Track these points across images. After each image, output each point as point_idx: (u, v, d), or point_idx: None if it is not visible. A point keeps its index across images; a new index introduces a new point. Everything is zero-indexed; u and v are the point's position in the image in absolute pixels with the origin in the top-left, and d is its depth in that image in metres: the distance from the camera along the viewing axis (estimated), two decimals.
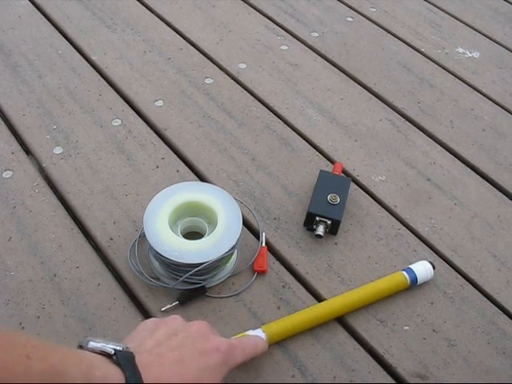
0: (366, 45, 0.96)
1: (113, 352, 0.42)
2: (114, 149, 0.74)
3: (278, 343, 0.55)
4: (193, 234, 0.62)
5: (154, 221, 0.58)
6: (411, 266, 0.61)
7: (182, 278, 0.56)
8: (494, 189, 0.74)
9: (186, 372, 0.44)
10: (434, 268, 0.61)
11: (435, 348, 0.57)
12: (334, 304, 0.58)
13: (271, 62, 0.90)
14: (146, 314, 0.57)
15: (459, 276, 0.63)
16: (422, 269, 0.61)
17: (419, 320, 0.59)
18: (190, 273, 0.55)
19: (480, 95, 0.88)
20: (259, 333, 0.54)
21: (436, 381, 0.54)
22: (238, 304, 0.59)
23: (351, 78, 0.89)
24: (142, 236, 0.62)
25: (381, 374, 0.54)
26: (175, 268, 0.56)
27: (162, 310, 0.57)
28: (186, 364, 0.45)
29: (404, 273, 0.60)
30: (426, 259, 0.63)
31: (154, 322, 0.49)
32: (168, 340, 0.46)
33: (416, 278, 0.60)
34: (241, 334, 0.54)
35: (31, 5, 0.97)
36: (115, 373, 0.40)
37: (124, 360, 0.41)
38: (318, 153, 0.76)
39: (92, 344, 0.42)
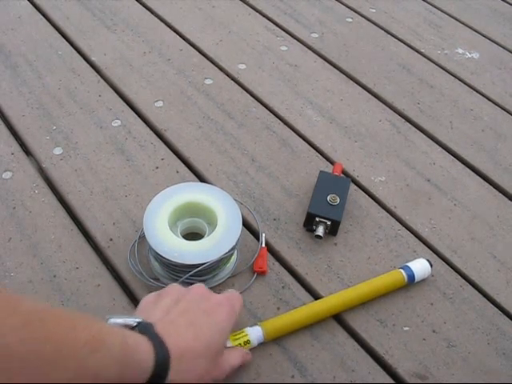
0: (365, 45, 0.96)
1: (135, 324, 0.45)
2: (114, 149, 0.74)
3: (278, 344, 0.55)
4: (193, 235, 0.62)
5: (153, 221, 0.58)
6: (408, 264, 0.61)
7: (181, 279, 0.56)
8: (494, 189, 0.74)
9: (199, 332, 0.47)
10: (431, 266, 0.61)
11: (435, 349, 0.57)
12: (332, 301, 0.58)
13: (271, 63, 0.90)
14: None
15: (459, 277, 0.63)
16: (419, 266, 0.61)
17: (419, 320, 0.59)
18: (190, 274, 0.55)
19: (480, 96, 0.88)
20: (257, 329, 0.54)
21: (436, 381, 0.54)
22: None
23: (351, 79, 0.89)
24: (142, 237, 0.62)
25: (381, 374, 0.54)
26: (175, 269, 0.56)
27: None
28: (198, 325, 0.47)
29: (401, 270, 0.60)
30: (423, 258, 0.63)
31: (154, 295, 0.51)
32: (174, 307, 0.49)
33: (413, 275, 0.60)
34: (239, 332, 0.54)
35: (31, 5, 0.97)
36: (144, 340, 0.43)
37: (147, 329, 0.44)
38: (317, 153, 0.76)
39: (113, 320, 0.44)
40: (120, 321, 0.45)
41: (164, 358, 0.43)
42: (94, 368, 0.38)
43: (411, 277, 0.60)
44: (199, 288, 0.52)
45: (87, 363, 0.37)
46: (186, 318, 0.47)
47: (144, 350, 0.43)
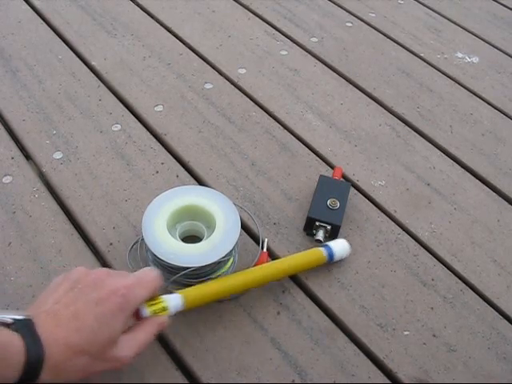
0: (365, 50, 0.96)
1: (11, 321, 0.42)
2: (114, 154, 0.74)
3: (278, 348, 0.55)
4: (192, 238, 0.62)
5: (152, 223, 0.58)
6: (328, 243, 0.63)
7: (173, 278, 0.55)
8: (494, 193, 0.74)
9: (81, 325, 0.44)
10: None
11: (435, 353, 0.57)
12: (251, 273, 0.59)
13: (271, 67, 0.90)
14: None
15: (459, 281, 0.63)
16: (340, 246, 0.63)
17: (419, 325, 0.59)
18: (183, 273, 0.55)
19: (479, 100, 0.89)
20: (176, 296, 0.52)
21: None
22: (237, 309, 0.59)
23: (351, 83, 0.89)
24: (142, 241, 0.62)
25: (381, 379, 0.54)
26: (172, 271, 0.56)
27: None
28: (81, 318, 0.44)
29: (322, 249, 0.62)
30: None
31: (62, 276, 0.49)
32: (64, 296, 0.46)
33: (333, 254, 0.61)
34: (155, 299, 0.52)
35: (31, 10, 0.98)
36: (15, 339, 0.41)
37: (23, 327, 0.42)
38: (317, 158, 0.76)
39: None
40: None
41: (37, 355, 0.41)
42: None
43: (331, 255, 0.61)
44: (99, 273, 0.48)
45: None
46: (71, 310, 0.45)
47: (15, 347, 0.41)
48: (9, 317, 0.43)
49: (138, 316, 0.49)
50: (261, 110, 0.83)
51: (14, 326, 0.42)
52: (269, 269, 0.60)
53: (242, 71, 0.89)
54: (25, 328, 0.42)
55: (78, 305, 0.45)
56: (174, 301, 0.52)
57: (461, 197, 0.73)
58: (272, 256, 0.64)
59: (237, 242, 0.57)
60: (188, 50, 0.93)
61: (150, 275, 0.50)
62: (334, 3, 1.07)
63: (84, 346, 0.44)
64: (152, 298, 0.51)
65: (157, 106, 0.81)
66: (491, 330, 0.59)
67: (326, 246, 0.62)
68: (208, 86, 0.86)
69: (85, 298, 0.45)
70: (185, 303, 0.52)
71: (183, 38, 0.95)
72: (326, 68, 0.92)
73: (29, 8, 0.98)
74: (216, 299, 0.57)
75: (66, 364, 0.43)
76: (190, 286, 0.56)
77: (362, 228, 0.67)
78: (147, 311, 0.49)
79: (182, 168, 0.73)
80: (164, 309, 0.51)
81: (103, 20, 0.97)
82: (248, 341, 0.56)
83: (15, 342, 0.41)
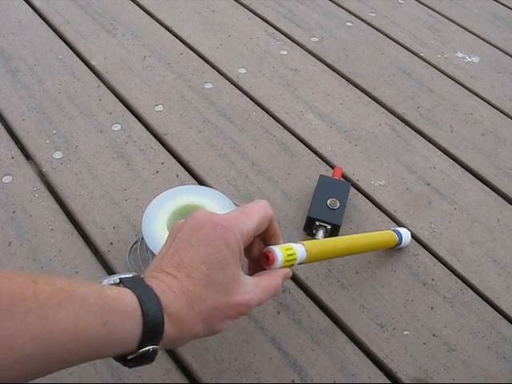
0: (365, 49, 0.96)
1: (118, 281, 0.39)
2: (114, 154, 0.74)
3: (278, 348, 0.55)
4: None
5: (152, 223, 0.58)
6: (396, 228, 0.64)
7: None
8: (494, 193, 0.74)
9: (190, 271, 0.40)
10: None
11: (435, 353, 0.57)
12: (361, 238, 0.60)
13: (271, 67, 0.90)
14: None
15: (459, 281, 0.63)
16: (405, 232, 0.64)
17: (419, 325, 0.59)
18: None
19: (479, 100, 0.89)
20: (302, 247, 0.48)
21: None
22: None
23: (351, 83, 0.89)
24: (142, 241, 0.62)
25: (381, 378, 0.54)
26: None
27: None
28: (188, 263, 0.41)
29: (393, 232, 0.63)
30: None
31: (180, 223, 0.45)
32: (167, 251, 0.43)
33: (401, 239, 0.63)
34: (286, 245, 0.48)
35: (31, 10, 0.98)
36: (127, 292, 0.38)
37: (131, 282, 0.39)
38: (317, 157, 0.76)
39: (106, 281, 0.40)
40: (105, 280, 0.39)
41: (151, 301, 0.38)
42: (65, 322, 0.33)
43: (400, 241, 0.63)
44: (197, 215, 0.44)
45: (56, 317, 0.33)
46: (176, 260, 0.41)
47: (127, 298, 0.37)
48: (115, 277, 0.40)
49: (269, 258, 0.46)
50: (261, 109, 0.83)
51: (122, 284, 0.39)
52: (366, 238, 0.61)
53: (242, 71, 0.89)
54: (133, 282, 0.39)
55: (181, 253, 0.41)
56: (300, 251, 0.48)
57: (461, 196, 0.73)
58: None
59: None
60: (188, 49, 0.93)
61: (258, 203, 0.46)
62: (334, 3, 1.07)
63: (200, 290, 0.40)
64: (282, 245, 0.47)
65: (157, 105, 0.81)
66: (491, 329, 0.59)
67: (395, 230, 0.63)
68: (208, 85, 0.86)
69: (186, 244, 0.42)
70: (307, 256, 0.48)
71: (183, 38, 0.95)
72: (326, 68, 0.92)
73: (29, 8, 0.98)
74: (331, 258, 0.55)
75: (188, 313, 0.39)
76: None
77: (362, 228, 0.67)
78: (279, 252, 0.46)
79: (182, 168, 0.73)
80: (294, 256, 0.47)
81: (103, 20, 0.97)
82: (248, 340, 0.56)
83: (126, 295, 0.37)
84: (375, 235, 0.62)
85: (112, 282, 0.39)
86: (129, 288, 0.38)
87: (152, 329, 0.37)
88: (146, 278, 0.40)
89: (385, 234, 0.63)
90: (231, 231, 0.42)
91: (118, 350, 0.37)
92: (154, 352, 0.39)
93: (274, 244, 0.48)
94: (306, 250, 0.48)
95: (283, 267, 0.47)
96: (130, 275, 0.40)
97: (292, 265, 0.47)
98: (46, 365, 0.34)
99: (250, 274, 0.45)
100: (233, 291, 0.41)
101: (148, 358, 0.39)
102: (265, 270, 0.47)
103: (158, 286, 0.39)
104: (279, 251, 0.46)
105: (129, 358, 0.38)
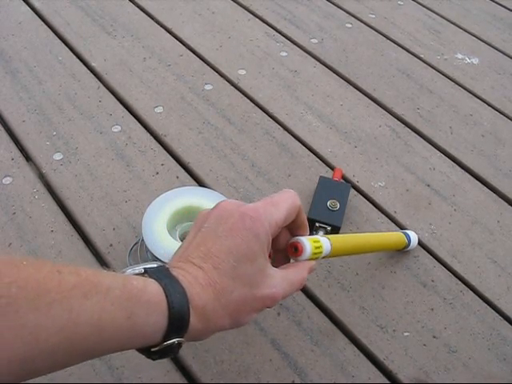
0: (365, 51, 0.96)
1: (143, 271, 0.39)
2: (114, 155, 0.74)
3: (278, 349, 0.55)
4: None
5: (152, 225, 0.58)
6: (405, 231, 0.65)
7: None
8: (494, 194, 0.74)
9: (217, 262, 0.39)
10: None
11: (435, 354, 0.57)
12: (375, 238, 0.60)
13: (271, 69, 0.90)
14: None
15: (459, 282, 0.63)
16: (413, 235, 0.64)
17: (419, 326, 0.59)
18: None
19: (479, 101, 0.89)
20: (327, 241, 0.48)
21: None
22: None
23: (351, 84, 0.89)
24: (142, 242, 0.62)
25: (381, 380, 0.54)
26: None
27: None
28: (215, 254, 0.40)
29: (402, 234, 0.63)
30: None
31: (206, 212, 0.44)
32: (193, 241, 0.42)
33: (410, 241, 0.63)
34: (313, 237, 0.47)
35: (31, 11, 0.98)
36: (152, 282, 0.37)
37: (156, 272, 0.38)
38: (317, 159, 0.76)
39: (124, 270, 0.39)
40: (129, 270, 0.39)
41: (176, 292, 0.37)
42: (90, 313, 0.33)
43: (408, 243, 0.63)
44: (223, 204, 0.43)
45: (80, 308, 0.32)
46: (202, 250, 0.40)
47: (153, 289, 0.36)
48: (140, 267, 0.39)
49: (298, 249, 0.45)
50: (261, 111, 0.83)
51: (147, 274, 0.38)
52: (381, 237, 0.61)
53: (242, 72, 0.89)
54: (159, 273, 0.38)
55: (208, 244, 0.40)
56: (326, 244, 0.47)
57: (461, 198, 0.73)
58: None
59: None
60: (188, 51, 0.93)
61: (285, 192, 0.45)
62: (334, 4, 1.07)
63: (227, 282, 0.39)
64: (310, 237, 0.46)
65: (157, 107, 0.82)
66: (491, 330, 0.59)
67: (405, 232, 0.63)
68: (208, 87, 0.86)
69: (213, 234, 0.41)
70: (331, 251, 0.48)
71: (183, 39, 0.95)
72: (325, 69, 0.92)
73: (29, 9, 0.98)
74: (350, 254, 0.55)
75: (214, 306, 0.39)
76: None
77: (362, 229, 0.67)
78: (308, 243, 0.45)
79: (181, 169, 0.73)
80: (320, 249, 0.46)
81: (103, 21, 0.97)
82: (248, 342, 0.56)
83: (151, 286, 0.36)
84: (389, 235, 0.63)
85: (137, 271, 0.39)
86: (154, 279, 0.37)
87: (177, 321, 0.37)
88: (172, 268, 0.39)
89: (396, 235, 0.63)
90: (260, 222, 0.41)
91: (143, 342, 0.37)
92: (179, 345, 0.38)
93: (301, 235, 0.47)
94: (331, 244, 0.48)
95: (309, 259, 0.46)
96: (155, 265, 0.40)
97: (317, 257, 0.47)
98: (69, 357, 0.33)
99: (274, 265, 0.44)
100: (260, 284, 0.41)
101: (172, 350, 0.38)
102: (289, 260, 0.47)
103: (184, 278, 0.38)
104: (308, 242, 0.45)
105: (153, 350, 0.37)
